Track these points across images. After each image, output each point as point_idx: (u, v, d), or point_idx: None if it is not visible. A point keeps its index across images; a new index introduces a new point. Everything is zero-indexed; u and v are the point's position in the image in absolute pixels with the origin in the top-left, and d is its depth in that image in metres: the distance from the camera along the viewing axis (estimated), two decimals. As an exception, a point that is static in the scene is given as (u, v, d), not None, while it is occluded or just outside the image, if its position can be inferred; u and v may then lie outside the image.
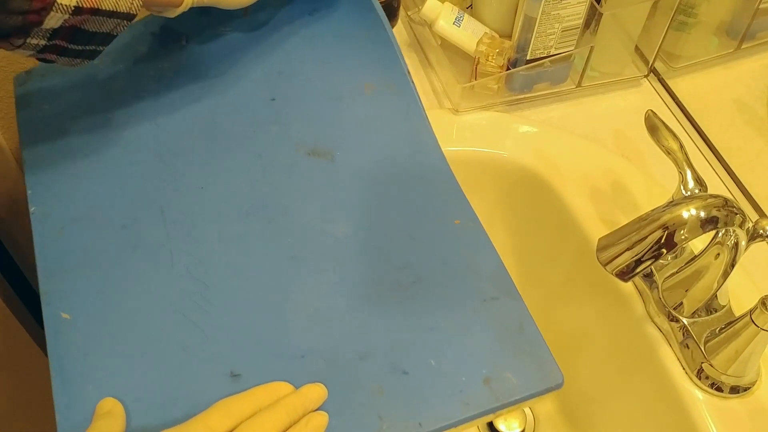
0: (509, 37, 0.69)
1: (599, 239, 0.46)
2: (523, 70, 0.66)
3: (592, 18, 0.64)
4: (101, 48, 0.48)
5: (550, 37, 0.64)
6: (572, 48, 0.66)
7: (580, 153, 0.64)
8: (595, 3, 0.63)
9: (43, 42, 0.44)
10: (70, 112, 0.57)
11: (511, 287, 0.49)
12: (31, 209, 0.52)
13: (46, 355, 0.46)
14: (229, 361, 0.45)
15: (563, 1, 0.61)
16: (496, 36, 0.68)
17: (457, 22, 0.68)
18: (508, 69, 0.67)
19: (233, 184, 0.53)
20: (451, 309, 0.48)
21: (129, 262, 0.50)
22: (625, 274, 0.45)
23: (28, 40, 0.43)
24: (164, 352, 0.46)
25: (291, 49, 0.60)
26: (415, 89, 0.58)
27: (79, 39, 0.45)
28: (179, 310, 0.47)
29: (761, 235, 0.47)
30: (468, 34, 0.68)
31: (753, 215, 0.62)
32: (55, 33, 0.43)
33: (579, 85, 0.69)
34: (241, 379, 0.45)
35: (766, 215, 0.62)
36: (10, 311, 0.77)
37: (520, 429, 0.66)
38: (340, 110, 0.57)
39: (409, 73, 0.58)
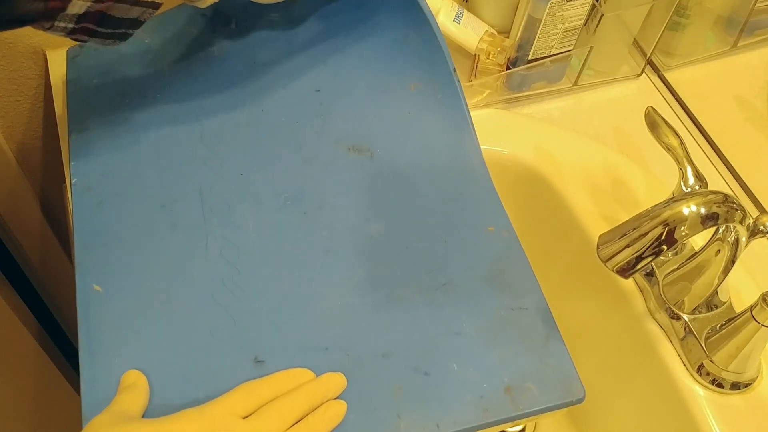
0: (506, 32, 0.69)
1: (599, 236, 0.46)
2: (523, 70, 0.66)
3: (592, 18, 0.64)
4: (131, 31, 0.48)
5: (553, 37, 0.64)
6: (571, 48, 0.66)
7: (580, 150, 0.64)
8: (596, 3, 0.63)
9: (71, 25, 0.44)
10: (119, 88, 0.57)
11: (540, 299, 0.49)
12: (73, 180, 0.53)
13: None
14: (254, 348, 0.46)
15: (568, 3, 0.61)
16: (497, 34, 0.68)
17: (457, 18, 0.68)
18: (508, 68, 0.67)
19: (272, 174, 0.54)
20: (477, 315, 0.48)
21: (164, 241, 0.50)
22: (625, 270, 0.45)
23: (56, 23, 0.44)
24: (191, 333, 0.46)
25: (337, 40, 0.60)
26: (461, 90, 0.57)
27: (106, 23, 0.46)
28: (209, 293, 0.48)
29: (762, 232, 0.47)
30: (468, 31, 0.68)
31: (753, 211, 0.62)
32: (81, 17, 0.44)
33: (575, 83, 0.69)
34: (265, 366, 0.45)
35: (766, 211, 0.62)
36: (9, 307, 0.78)
37: (521, 426, 0.66)
38: (383, 106, 0.57)
39: (455, 71, 0.57)
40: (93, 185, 0.52)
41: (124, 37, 0.48)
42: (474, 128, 0.56)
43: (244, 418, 0.41)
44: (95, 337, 0.46)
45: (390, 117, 0.57)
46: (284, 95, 0.57)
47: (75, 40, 0.46)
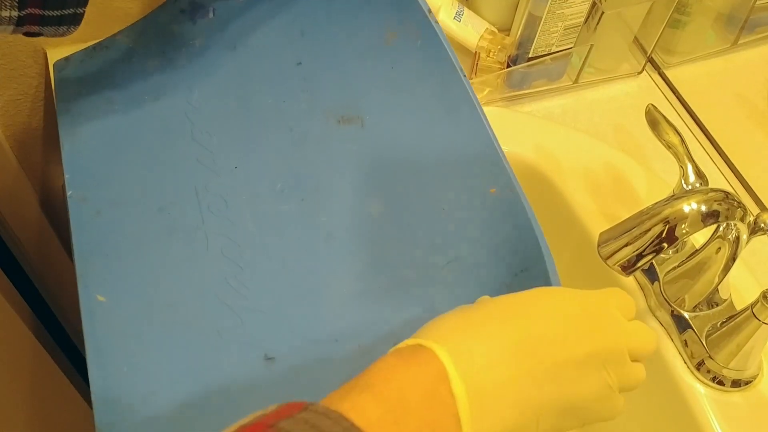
0: (507, 30, 0.69)
1: (600, 234, 0.46)
2: (523, 67, 0.66)
3: (592, 15, 0.64)
4: (81, 10, 0.46)
5: (553, 35, 0.64)
6: (572, 45, 0.66)
7: (581, 147, 0.64)
8: (596, 1, 0.63)
9: (15, 13, 0.42)
10: (107, 96, 0.57)
11: (544, 267, 0.47)
12: (69, 193, 0.52)
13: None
14: (263, 345, 0.45)
15: (568, 0, 0.61)
16: (497, 32, 0.68)
17: (458, 16, 0.68)
18: (508, 65, 0.67)
19: (266, 162, 0.53)
20: (486, 291, 0.46)
21: (164, 245, 0.50)
22: (626, 268, 0.45)
23: (1, 14, 0.42)
24: (199, 336, 0.46)
25: (309, 4, 0.58)
26: (443, 34, 0.52)
27: (51, 4, 0.44)
28: (214, 293, 0.47)
29: (762, 229, 0.47)
30: (468, 29, 0.68)
31: (754, 209, 0.62)
32: (23, 1, 0.42)
33: (576, 81, 0.69)
34: (275, 362, 0.45)
35: (767, 209, 0.62)
36: (10, 305, 0.78)
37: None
38: (365, 67, 0.54)
39: (430, 12, 0.53)
40: (89, 196, 0.52)
41: (75, 18, 0.46)
42: (462, 71, 0.52)
43: None
44: (103, 347, 0.45)
45: (374, 77, 0.54)
46: (267, 75, 0.56)
47: (27, 35, 0.45)
